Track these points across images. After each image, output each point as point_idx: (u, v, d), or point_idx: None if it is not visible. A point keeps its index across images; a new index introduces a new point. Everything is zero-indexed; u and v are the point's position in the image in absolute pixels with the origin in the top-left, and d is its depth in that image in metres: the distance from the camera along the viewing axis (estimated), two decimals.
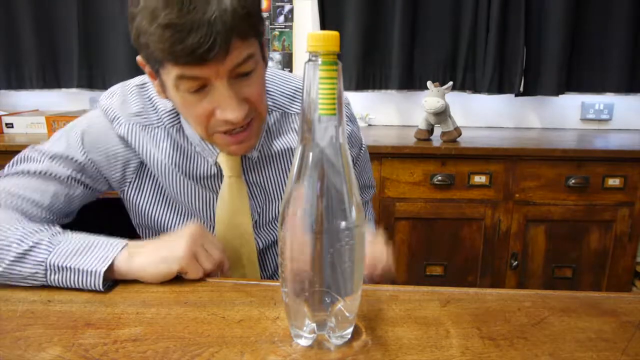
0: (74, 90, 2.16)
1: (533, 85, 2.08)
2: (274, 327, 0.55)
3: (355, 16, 2.05)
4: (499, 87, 2.06)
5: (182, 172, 0.80)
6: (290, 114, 0.83)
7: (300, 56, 2.19)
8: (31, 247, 0.64)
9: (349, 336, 0.52)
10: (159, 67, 0.64)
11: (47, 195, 0.75)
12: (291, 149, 0.83)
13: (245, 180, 0.81)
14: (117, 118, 0.77)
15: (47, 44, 2.13)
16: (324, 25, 2.09)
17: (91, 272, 0.62)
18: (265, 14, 2.14)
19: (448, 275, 1.80)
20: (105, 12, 2.06)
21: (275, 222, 0.86)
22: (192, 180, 0.80)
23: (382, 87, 2.13)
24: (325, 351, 0.50)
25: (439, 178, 1.69)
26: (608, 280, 1.78)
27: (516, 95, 2.09)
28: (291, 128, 0.83)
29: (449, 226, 1.75)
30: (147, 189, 0.81)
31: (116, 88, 0.81)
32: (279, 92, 0.83)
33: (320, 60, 0.44)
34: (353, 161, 0.90)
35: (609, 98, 2.14)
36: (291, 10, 2.14)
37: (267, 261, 0.89)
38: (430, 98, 1.71)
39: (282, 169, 0.83)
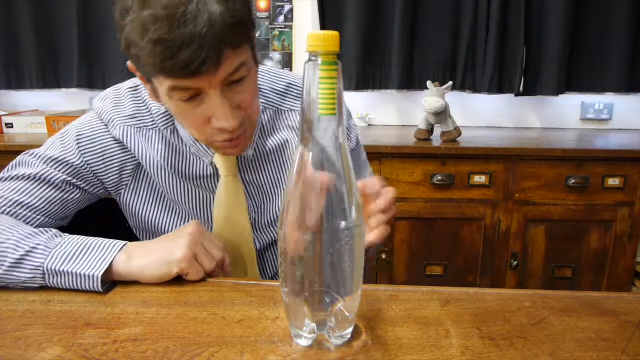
0: (74, 90, 2.16)
1: (533, 85, 2.08)
2: (274, 327, 0.55)
3: (355, 16, 2.05)
4: (499, 87, 2.06)
5: (178, 174, 0.79)
6: (283, 110, 0.83)
7: (300, 56, 2.19)
8: (27, 252, 0.63)
9: (349, 336, 0.52)
10: (151, 77, 0.64)
11: (42, 199, 0.74)
12: (284, 144, 0.83)
13: (242, 180, 0.81)
14: (112, 121, 0.77)
15: (47, 44, 2.13)
16: (324, 25, 2.09)
17: (89, 275, 0.62)
18: (265, 14, 2.14)
19: (448, 275, 1.80)
20: (105, 12, 2.06)
21: (273, 222, 0.85)
22: (188, 181, 0.80)
23: (382, 87, 2.13)
24: (325, 351, 0.50)
25: (439, 178, 1.69)
26: (608, 280, 1.78)
27: (516, 95, 2.09)
28: (285, 124, 0.84)
29: (449, 226, 1.75)
30: (143, 192, 0.81)
31: (109, 91, 0.81)
32: (271, 89, 0.83)
33: (320, 60, 0.44)
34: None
35: (609, 98, 2.14)
36: (291, 10, 2.14)
37: (267, 263, 0.88)
38: (430, 98, 1.71)
39: (276, 166, 0.83)
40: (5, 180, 0.75)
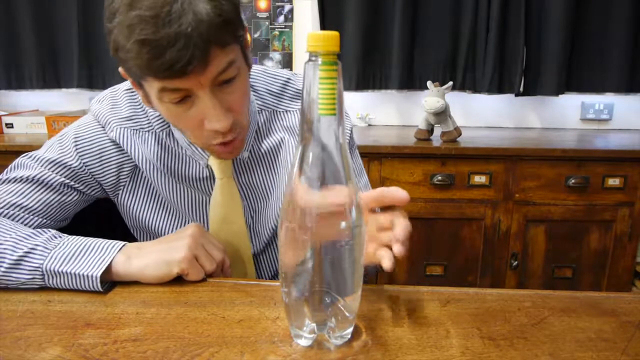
0: (74, 90, 2.16)
1: (533, 85, 2.08)
2: (274, 327, 0.55)
3: (355, 16, 2.05)
4: (499, 87, 2.06)
5: (174, 176, 0.79)
6: (279, 111, 0.83)
7: (300, 56, 2.19)
8: (26, 252, 0.63)
9: (349, 336, 0.52)
10: (141, 79, 0.64)
11: (40, 201, 0.74)
12: (279, 144, 0.83)
13: (237, 182, 0.81)
14: (108, 122, 0.77)
15: (47, 44, 2.13)
16: (324, 25, 2.09)
17: (88, 276, 0.62)
18: (265, 14, 2.14)
19: (448, 275, 1.80)
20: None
21: (269, 224, 0.85)
22: (184, 183, 0.80)
23: (382, 87, 2.13)
24: (325, 351, 0.50)
25: (439, 178, 1.69)
26: (608, 280, 1.78)
27: (516, 95, 2.09)
28: (280, 125, 0.83)
29: (449, 226, 1.75)
30: (140, 193, 0.81)
31: (106, 93, 0.81)
32: (267, 91, 0.83)
33: (320, 60, 0.44)
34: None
35: (609, 98, 2.14)
36: (291, 10, 2.14)
37: (264, 266, 0.88)
38: (430, 98, 1.71)
39: (271, 167, 0.83)
40: (3, 182, 0.75)
